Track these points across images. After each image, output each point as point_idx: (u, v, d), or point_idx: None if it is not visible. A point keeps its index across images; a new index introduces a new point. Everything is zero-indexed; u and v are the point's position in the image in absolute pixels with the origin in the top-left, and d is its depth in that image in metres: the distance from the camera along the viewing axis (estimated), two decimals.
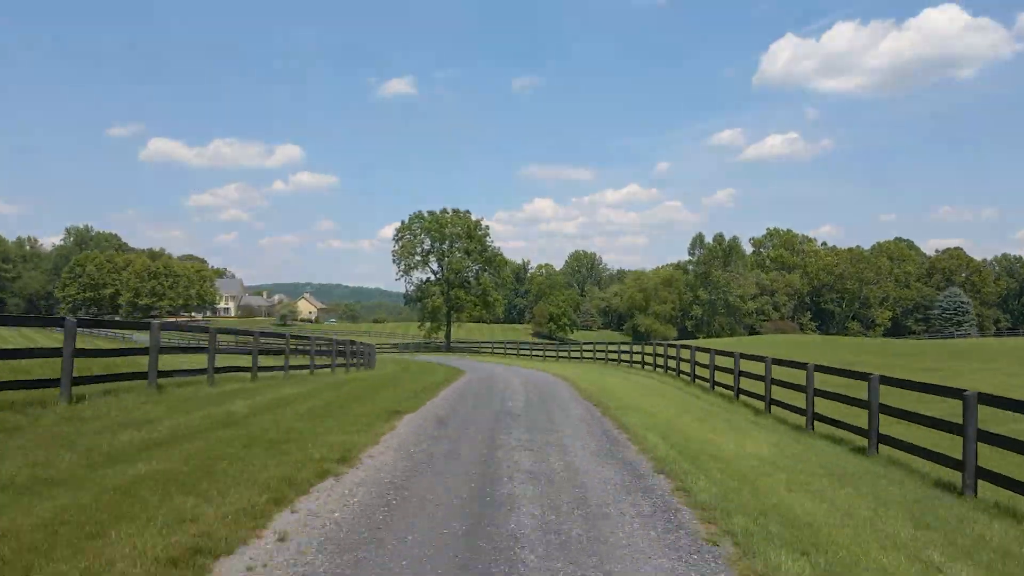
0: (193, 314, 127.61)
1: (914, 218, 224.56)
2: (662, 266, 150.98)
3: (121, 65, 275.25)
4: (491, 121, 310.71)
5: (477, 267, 77.71)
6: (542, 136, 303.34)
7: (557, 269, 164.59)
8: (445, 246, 76.78)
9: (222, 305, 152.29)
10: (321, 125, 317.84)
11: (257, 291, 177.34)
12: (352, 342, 28.84)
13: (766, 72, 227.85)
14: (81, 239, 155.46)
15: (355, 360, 26.92)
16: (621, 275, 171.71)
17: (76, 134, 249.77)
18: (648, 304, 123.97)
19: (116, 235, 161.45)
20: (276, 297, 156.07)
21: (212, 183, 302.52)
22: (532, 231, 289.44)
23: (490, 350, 59.36)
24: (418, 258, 76.96)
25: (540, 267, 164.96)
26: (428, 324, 77.01)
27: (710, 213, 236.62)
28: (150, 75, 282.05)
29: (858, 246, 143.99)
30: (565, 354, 45.14)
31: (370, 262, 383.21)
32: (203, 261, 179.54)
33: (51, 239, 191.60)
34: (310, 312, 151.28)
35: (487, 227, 77.74)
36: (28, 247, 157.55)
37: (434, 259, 77.56)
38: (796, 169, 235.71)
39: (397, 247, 76.27)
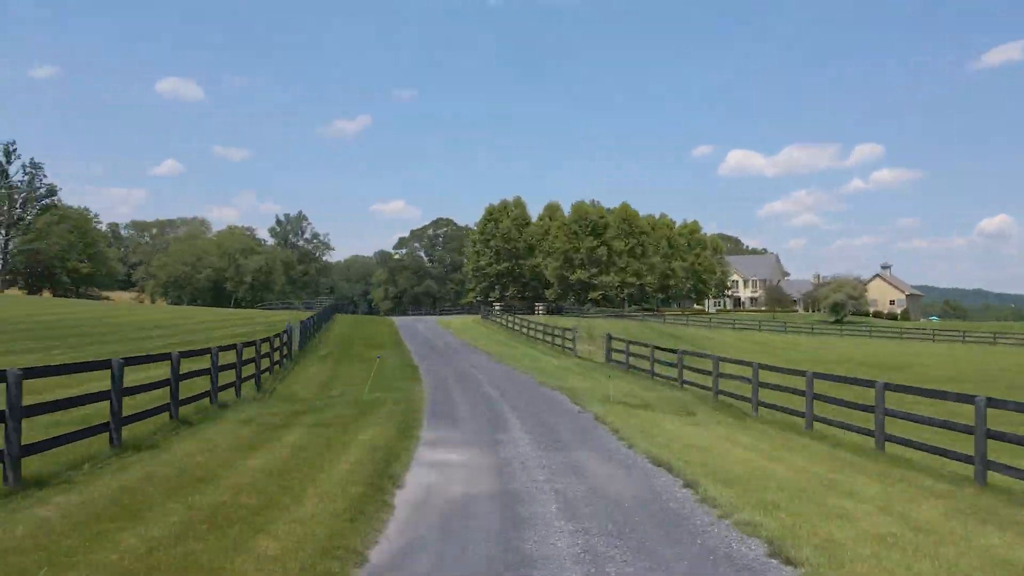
0: (679, 306, 79.57)
1: None
2: None
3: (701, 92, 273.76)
4: None
5: None
6: None
7: None
8: None
9: (747, 293, 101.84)
10: (904, 117, 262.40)
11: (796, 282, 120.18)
12: None
13: None
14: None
15: None
16: None
17: (662, 155, 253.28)
18: None
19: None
20: (834, 280, 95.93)
21: (784, 190, 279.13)
22: None
23: None
24: None
25: None
26: None
27: None
28: (729, 95, 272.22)
29: None
30: None
31: (965, 261, 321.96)
32: (738, 241, 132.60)
33: None
34: (891, 301, 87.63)
35: None
36: None
37: None
38: None
39: None
